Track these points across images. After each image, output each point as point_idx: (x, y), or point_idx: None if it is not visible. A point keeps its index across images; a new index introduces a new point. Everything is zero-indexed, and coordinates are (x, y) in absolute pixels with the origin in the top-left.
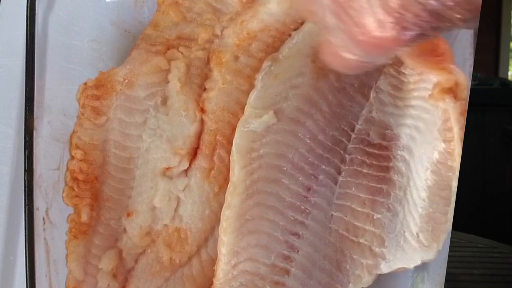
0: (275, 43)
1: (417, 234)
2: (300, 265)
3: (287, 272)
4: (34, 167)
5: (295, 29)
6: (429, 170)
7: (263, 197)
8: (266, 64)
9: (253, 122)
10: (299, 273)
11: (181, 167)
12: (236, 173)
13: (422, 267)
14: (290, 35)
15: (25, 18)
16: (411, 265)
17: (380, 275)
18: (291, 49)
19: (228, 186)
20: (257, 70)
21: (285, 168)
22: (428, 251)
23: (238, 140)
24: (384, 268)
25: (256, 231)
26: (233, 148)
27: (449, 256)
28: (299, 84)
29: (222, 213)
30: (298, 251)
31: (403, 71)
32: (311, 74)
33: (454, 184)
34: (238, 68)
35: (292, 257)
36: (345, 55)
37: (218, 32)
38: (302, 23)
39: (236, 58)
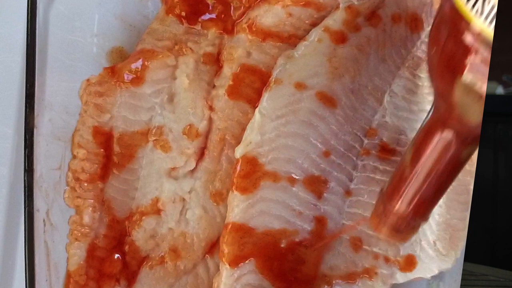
0: (289, 39)
1: (434, 242)
2: (305, 276)
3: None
4: (34, 167)
5: (311, 25)
6: None
7: (268, 206)
8: (280, 61)
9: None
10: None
11: (187, 167)
12: (237, 181)
13: (438, 274)
14: (305, 31)
15: (24, 12)
16: (428, 275)
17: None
18: (307, 47)
19: (229, 194)
20: (270, 67)
21: (294, 175)
22: (446, 259)
23: (242, 147)
24: (400, 278)
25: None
26: (236, 153)
27: None
28: (314, 84)
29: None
30: (304, 263)
31: (419, 74)
32: (326, 74)
33: (472, 188)
34: (250, 65)
35: (298, 269)
36: None
37: (229, 27)
38: (318, 19)
39: (248, 54)
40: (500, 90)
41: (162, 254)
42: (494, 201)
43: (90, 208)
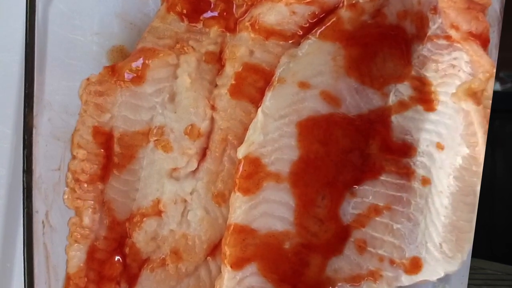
0: (293, 37)
1: (440, 244)
2: (309, 279)
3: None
4: (33, 167)
5: (315, 23)
6: (452, 176)
7: (270, 207)
8: (284, 60)
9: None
10: None
11: (189, 168)
12: (239, 181)
13: (444, 276)
14: (309, 29)
15: (23, 11)
16: (434, 278)
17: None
18: (311, 45)
19: (231, 195)
20: (273, 65)
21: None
22: (452, 262)
23: (244, 148)
24: (405, 281)
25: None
26: (239, 153)
27: None
28: (317, 83)
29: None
30: (308, 265)
31: (425, 73)
32: (330, 73)
33: (478, 189)
34: (253, 63)
35: (301, 271)
36: None
37: (231, 25)
38: (322, 17)
39: (251, 52)
40: (497, 87)
41: (163, 256)
42: (492, 197)
43: (90, 210)
